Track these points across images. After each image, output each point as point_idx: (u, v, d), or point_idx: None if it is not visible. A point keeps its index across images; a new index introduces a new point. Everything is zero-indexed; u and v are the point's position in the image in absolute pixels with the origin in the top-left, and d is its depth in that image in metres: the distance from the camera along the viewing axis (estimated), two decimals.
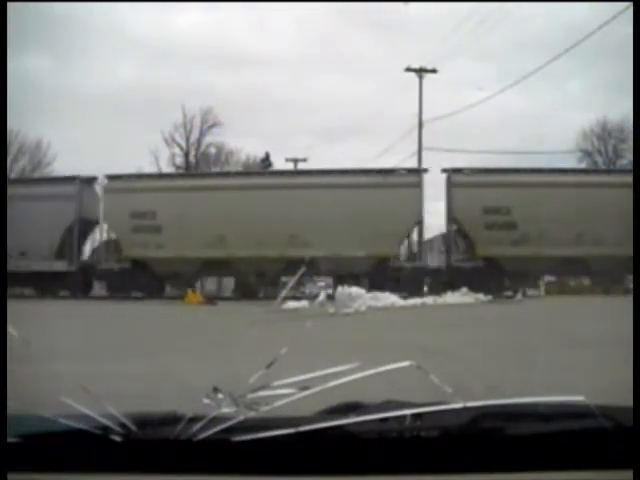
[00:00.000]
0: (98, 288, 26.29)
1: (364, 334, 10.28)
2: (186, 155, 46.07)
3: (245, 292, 23.35)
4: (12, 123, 35.01)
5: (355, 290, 17.96)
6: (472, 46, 59.92)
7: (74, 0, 43.99)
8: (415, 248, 23.54)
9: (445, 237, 24.06)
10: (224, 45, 65.51)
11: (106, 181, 25.21)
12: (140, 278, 23.33)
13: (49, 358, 5.67)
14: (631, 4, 14.10)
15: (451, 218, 23.43)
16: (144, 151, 53.56)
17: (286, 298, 16.45)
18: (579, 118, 68.60)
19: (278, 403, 1.24)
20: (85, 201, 24.95)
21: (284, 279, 22.96)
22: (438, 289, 21.21)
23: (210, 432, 1.14)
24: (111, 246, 24.84)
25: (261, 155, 48.01)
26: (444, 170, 24.07)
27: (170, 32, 59.03)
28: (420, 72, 33.72)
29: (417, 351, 6.92)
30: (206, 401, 1.24)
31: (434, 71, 33.97)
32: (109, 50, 63.18)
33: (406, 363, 1.32)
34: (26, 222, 23.02)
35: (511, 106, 53.28)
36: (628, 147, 39.91)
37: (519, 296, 20.77)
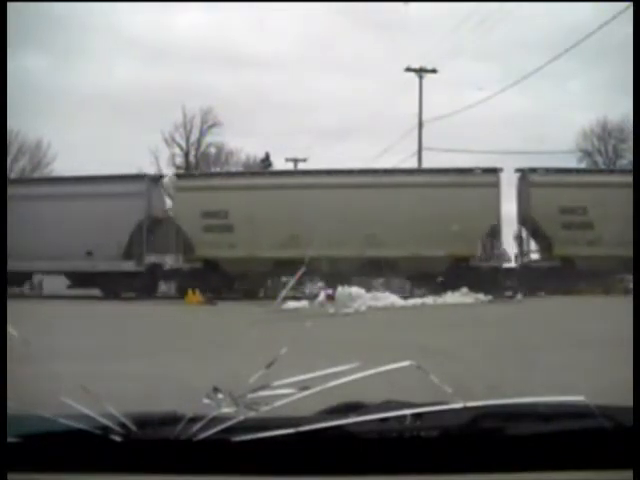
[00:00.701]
0: (166, 289, 25.68)
1: (364, 334, 10.29)
2: (186, 155, 46.09)
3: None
4: (12, 123, 35.02)
5: (355, 290, 17.97)
6: (472, 46, 59.85)
7: (74, 0, 43.99)
8: (492, 248, 23.31)
9: (518, 237, 23.92)
10: (224, 45, 65.52)
11: (175, 179, 24.67)
12: (211, 278, 22.65)
13: (49, 358, 5.67)
14: (631, 4, 14.10)
15: (527, 218, 23.20)
16: (144, 151, 53.53)
17: (286, 298, 16.44)
18: (579, 118, 68.50)
19: (278, 403, 1.24)
20: (153, 199, 24.47)
21: (357, 279, 22.26)
22: (518, 289, 21.21)
23: (210, 432, 1.14)
24: (180, 246, 24.36)
25: (261, 155, 48.02)
26: (518, 170, 23.92)
27: (170, 32, 59.05)
28: (420, 72, 33.73)
29: (417, 351, 6.92)
30: (206, 401, 1.24)
31: (434, 71, 33.97)
32: (109, 50, 63.22)
33: (406, 363, 1.32)
34: (93, 221, 22.69)
35: (511, 106, 53.23)
36: (628, 147, 39.90)
37: (519, 296, 20.76)
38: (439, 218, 21.57)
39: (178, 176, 25.08)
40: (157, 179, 25.47)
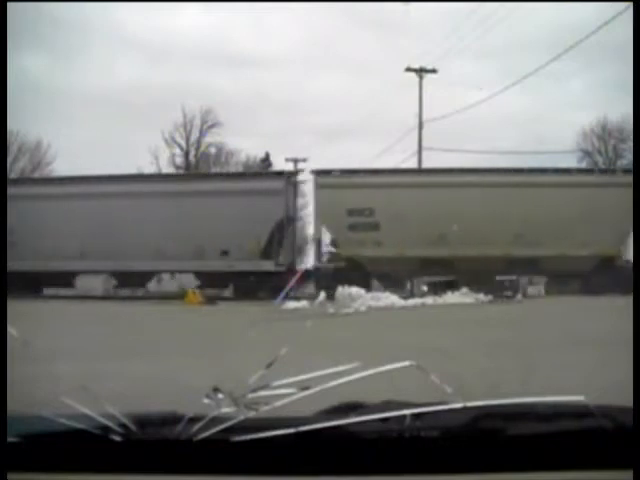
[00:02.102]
0: (301, 288, 24.40)
1: (364, 334, 10.29)
2: (186, 155, 46.09)
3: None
4: (12, 123, 35.01)
5: (355, 290, 17.97)
6: (472, 46, 59.81)
7: (74, 0, 43.98)
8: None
9: None
10: (224, 45, 65.45)
11: (315, 176, 24.08)
12: (355, 277, 21.63)
13: (49, 358, 5.67)
14: (631, 4, 14.10)
15: None
16: (144, 151, 53.52)
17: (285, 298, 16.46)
18: (579, 118, 68.58)
19: (278, 403, 1.24)
20: (290, 197, 23.87)
21: (500, 278, 22.11)
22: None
23: (210, 432, 1.14)
24: (322, 244, 23.71)
25: (261, 155, 48.03)
26: None
27: (170, 32, 59.03)
28: (420, 72, 33.72)
29: (417, 351, 6.92)
30: (206, 401, 1.24)
31: (434, 71, 33.95)
32: (109, 50, 63.24)
33: (406, 363, 1.32)
34: (230, 219, 22.15)
35: (511, 106, 53.26)
36: (628, 147, 39.93)
37: (519, 296, 20.76)
38: (584, 217, 21.38)
39: (318, 172, 24.11)
40: (293, 176, 24.69)
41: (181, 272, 23.85)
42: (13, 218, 24.10)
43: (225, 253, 22.61)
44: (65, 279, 24.65)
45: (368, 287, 21.34)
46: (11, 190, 24.84)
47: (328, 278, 22.35)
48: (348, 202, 22.69)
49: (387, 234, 22.52)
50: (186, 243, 22.46)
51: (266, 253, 23.25)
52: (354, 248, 22.62)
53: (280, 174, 24.41)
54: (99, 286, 24.48)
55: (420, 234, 21.89)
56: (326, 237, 23.45)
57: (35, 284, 24.23)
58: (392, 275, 22.84)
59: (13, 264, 23.90)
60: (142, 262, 22.62)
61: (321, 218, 23.51)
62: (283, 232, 23.42)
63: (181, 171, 42.87)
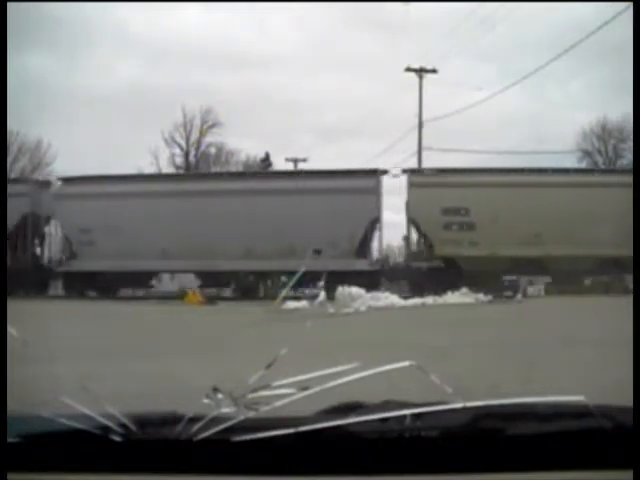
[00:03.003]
0: (391, 287, 23.72)
1: (364, 334, 10.29)
2: (186, 155, 46.09)
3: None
4: (12, 123, 35.00)
5: (355, 290, 17.96)
6: (472, 46, 59.84)
7: (74, 0, 43.97)
8: None
9: None
10: (224, 45, 65.46)
11: (410, 174, 23.85)
12: (449, 277, 21.69)
13: (49, 358, 5.67)
14: (631, 4, 14.10)
15: None
16: (144, 151, 53.50)
17: (286, 298, 16.46)
18: (579, 118, 68.61)
19: (278, 403, 1.24)
20: (381, 196, 23.68)
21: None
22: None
23: (210, 432, 1.14)
24: (412, 243, 23.72)
25: (261, 155, 48.02)
26: None
27: (170, 32, 59.02)
28: (420, 72, 33.73)
29: (417, 351, 6.91)
30: (206, 401, 1.24)
31: (434, 71, 33.97)
32: (109, 50, 63.17)
33: (406, 363, 1.32)
34: (323, 218, 21.90)
35: (511, 106, 53.25)
36: (628, 147, 39.92)
37: (519, 296, 20.75)
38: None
39: (412, 171, 24.01)
40: (382, 174, 24.37)
41: (270, 272, 23.67)
42: (90, 217, 23.98)
43: (318, 252, 22.34)
44: (144, 279, 24.71)
45: (459, 287, 21.09)
46: (88, 188, 24.73)
47: (421, 277, 22.19)
48: (443, 201, 22.49)
49: (482, 233, 22.43)
50: (276, 242, 22.20)
51: (360, 252, 23.07)
52: (449, 247, 22.48)
53: (373, 172, 24.07)
54: (181, 286, 24.33)
55: (514, 234, 21.72)
56: (415, 236, 23.20)
57: (113, 284, 24.09)
58: (484, 274, 22.36)
59: (91, 264, 23.83)
60: (228, 261, 22.26)
61: (417, 217, 23.30)
62: (378, 230, 23.32)
63: (181, 171, 42.86)
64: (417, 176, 23.87)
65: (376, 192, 23.29)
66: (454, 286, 20.60)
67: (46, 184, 27.74)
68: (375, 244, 23.75)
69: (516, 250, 21.70)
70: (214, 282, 23.67)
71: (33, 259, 26.04)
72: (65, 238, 25.49)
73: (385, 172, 24.36)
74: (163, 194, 23.50)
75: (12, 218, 24.79)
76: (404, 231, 24.95)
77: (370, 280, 21.46)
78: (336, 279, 21.57)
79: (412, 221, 23.87)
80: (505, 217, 21.82)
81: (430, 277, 22.02)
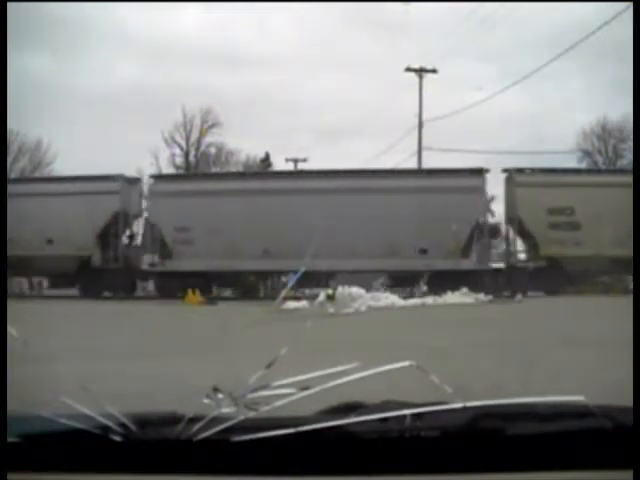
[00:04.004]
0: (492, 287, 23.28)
1: (364, 334, 10.28)
2: (186, 155, 46.10)
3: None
4: (12, 123, 35.00)
5: (355, 290, 17.95)
6: (472, 46, 59.91)
7: (74, 0, 43.97)
8: None
9: None
10: (224, 45, 65.56)
11: (515, 174, 23.63)
12: (554, 276, 21.66)
13: (49, 358, 5.67)
14: (631, 4, 14.10)
15: None
16: (144, 151, 53.50)
17: (286, 298, 16.44)
18: (579, 118, 68.62)
19: (278, 403, 1.24)
20: (485, 195, 23.47)
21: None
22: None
23: (210, 432, 1.14)
24: (510, 242, 23.54)
25: (261, 155, 48.02)
26: None
27: (170, 32, 59.09)
28: (420, 72, 33.76)
29: (417, 351, 6.91)
30: (206, 401, 1.24)
31: (434, 71, 34.02)
32: (109, 50, 63.32)
33: (406, 363, 1.32)
34: (428, 217, 21.71)
35: (511, 106, 53.31)
36: (628, 147, 39.96)
37: (519, 296, 20.74)
38: None
39: (516, 171, 23.79)
40: (486, 173, 24.22)
41: (370, 271, 23.40)
42: (188, 215, 23.42)
43: (424, 252, 22.20)
44: (244, 279, 24.20)
45: (563, 287, 20.87)
46: (185, 185, 24.33)
47: (526, 277, 22.02)
48: (548, 201, 22.37)
49: (586, 233, 22.31)
50: (379, 241, 21.96)
51: (465, 251, 22.95)
52: (554, 247, 22.35)
53: (478, 171, 23.93)
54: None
55: (616, 233, 21.46)
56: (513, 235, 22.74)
57: (211, 284, 23.62)
58: (586, 274, 22.29)
59: (189, 264, 23.14)
60: (328, 261, 21.53)
61: (523, 217, 23.12)
62: (482, 230, 23.16)
63: (181, 171, 42.89)
64: (522, 176, 23.80)
65: (481, 191, 23.23)
66: (558, 285, 20.66)
67: (135, 181, 26.92)
68: (479, 243, 23.55)
69: (618, 250, 21.53)
70: (315, 282, 22.96)
71: (123, 259, 25.05)
72: (160, 237, 24.49)
73: (488, 171, 24.40)
74: (266, 192, 23.01)
75: (102, 216, 24.33)
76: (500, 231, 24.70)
77: (475, 280, 21.45)
78: (441, 279, 21.71)
79: (511, 220, 23.76)
80: (608, 217, 21.74)
81: (535, 277, 21.95)
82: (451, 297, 19.42)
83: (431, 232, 21.92)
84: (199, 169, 42.84)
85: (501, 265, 23.96)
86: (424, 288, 22.05)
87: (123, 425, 1.15)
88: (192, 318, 15.01)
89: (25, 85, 45.15)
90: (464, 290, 20.11)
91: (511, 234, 24.56)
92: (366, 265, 22.40)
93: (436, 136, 36.45)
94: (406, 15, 73.35)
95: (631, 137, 36.04)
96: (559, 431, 1.17)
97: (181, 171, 42.81)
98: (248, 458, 1.14)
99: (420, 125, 33.66)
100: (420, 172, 24.32)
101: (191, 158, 46.17)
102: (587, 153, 43.01)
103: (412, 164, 32.88)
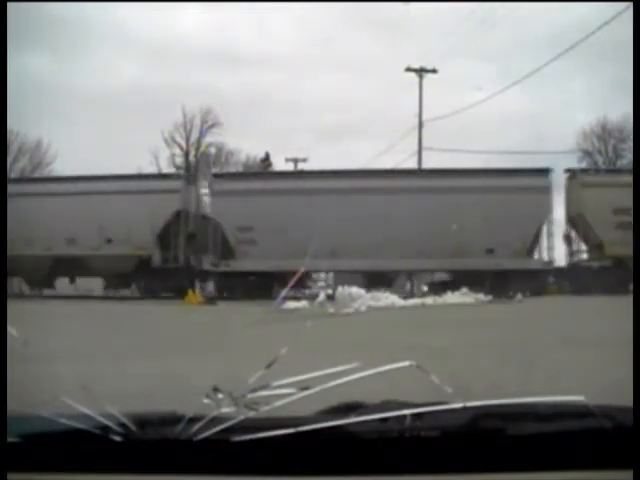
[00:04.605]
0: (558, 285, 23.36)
1: (364, 334, 10.28)
2: (186, 155, 46.10)
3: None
4: (12, 123, 35.00)
5: (355, 290, 17.96)
6: (472, 46, 59.90)
7: (74, 0, 43.98)
8: None
9: None
10: (224, 45, 65.55)
11: (583, 175, 23.52)
12: (618, 276, 21.45)
13: (49, 358, 5.67)
14: (631, 4, 14.10)
15: None
16: (144, 151, 53.51)
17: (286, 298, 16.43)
18: (579, 118, 68.64)
19: (278, 403, 1.24)
20: (551, 195, 23.42)
21: None
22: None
23: (210, 432, 1.14)
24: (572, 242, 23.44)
25: (261, 155, 48.02)
26: None
27: (170, 32, 59.10)
28: (420, 72, 33.76)
29: (417, 351, 6.91)
30: (206, 401, 1.24)
31: (434, 71, 34.02)
32: (109, 50, 63.26)
33: (406, 363, 1.32)
34: (495, 217, 21.71)
35: (511, 106, 53.29)
36: (628, 147, 39.96)
37: (519, 296, 20.73)
38: None
39: (582, 171, 23.92)
40: (550, 173, 24.12)
41: (434, 271, 23.31)
42: (252, 214, 23.05)
43: (490, 251, 22.14)
44: (305, 279, 23.81)
45: (627, 286, 20.70)
46: (249, 184, 23.86)
47: (590, 276, 21.96)
48: (614, 201, 22.19)
49: None
50: (446, 241, 21.84)
51: (532, 251, 22.87)
52: (619, 247, 22.03)
53: (544, 171, 23.88)
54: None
55: None
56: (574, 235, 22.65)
57: (272, 284, 22.92)
58: None
59: (253, 264, 22.81)
60: (395, 261, 21.93)
61: (590, 218, 23.09)
62: (547, 230, 23.14)
63: (181, 171, 42.87)
64: (588, 176, 23.77)
65: (547, 191, 23.21)
66: (623, 285, 20.50)
67: (194, 180, 26.50)
68: (545, 243, 23.60)
69: None
70: (380, 282, 22.93)
71: (184, 258, 24.60)
72: (222, 236, 24.08)
73: (553, 171, 24.37)
74: (332, 191, 22.81)
75: (163, 215, 23.94)
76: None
77: (541, 279, 21.50)
78: (506, 278, 21.62)
79: (574, 220, 23.70)
80: None
81: (599, 276, 21.90)
82: (451, 297, 19.43)
83: (497, 232, 21.90)
84: (199, 169, 42.81)
85: (564, 265, 23.96)
86: (489, 287, 21.83)
87: (123, 425, 1.15)
88: (192, 318, 15.01)
89: (25, 85, 45.18)
90: (464, 290, 20.11)
91: (573, 234, 24.60)
92: (433, 265, 22.44)
93: (436, 136, 36.54)
94: (406, 15, 73.37)
95: (631, 137, 36.06)
96: (559, 431, 1.17)
97: (181, 171, 42.80)
98: (248, 458, 1.14)
99: (420, 125, 33.67)
100: (486, 172, 24.22)
101: (191, 158, 46.16)
102: (587, 153, 43.01)
103: (412, 164, 32.90)
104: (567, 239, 24.44)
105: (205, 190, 25.42)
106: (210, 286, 25.38)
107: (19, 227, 22.60)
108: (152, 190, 23.81)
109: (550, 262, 23.05)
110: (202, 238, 24.72)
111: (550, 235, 23.32)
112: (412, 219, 21.89)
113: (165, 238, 24.37)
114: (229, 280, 23.39)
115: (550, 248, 23.35)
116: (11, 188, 23.54)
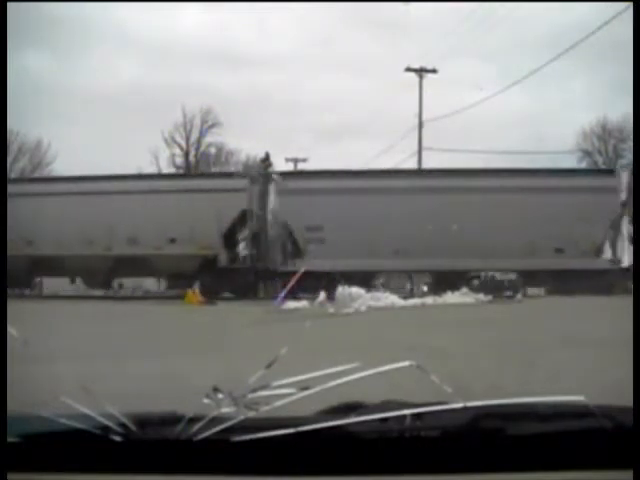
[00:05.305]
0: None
1: (364, 334, 10.29)
2: (186, 155, 46.09)
3: None
4: (12, 123, 34.99)
5: (355, 290, 17.96)
6: (472, 46, 59.88)
7: (74, 0, 43.98)
8: None
9: None
10: (224, 45, 65.49)
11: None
12: None
13: (49, 358, 5.67)
14: (631, 4, 14.11)
15: None
16: (144, 151, 53.52)
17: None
18: (579, 118, 68.66)
19: (278, 403, 1.24)
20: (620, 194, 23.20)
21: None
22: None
23: (210, 432, 1.14)
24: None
25: (261, 155, 47.99)
26: None
27: (170, 32, 59.07)
28: (420, 72, 33.75)
29: (417, 351, 6.92)
30: (206, 401, 1.24)
31: (434, 71, 34.00)
32: (109, 50, 63.14)
33: (406, 363, 1.32)
34: (566, 216, 21.56)
35: (511, 106, 53.24)
36: (628, 147, 39.93)
37: (519, 296, 20.73)
38: None
39: None
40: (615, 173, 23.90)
41: (507, 270, 22.65)
42: (320, 213, 22.66)
43: (560, 251, 22.07)
44: (370, 279, 23.26)
45: None
46: (317, 183, 23.29)
47: None
48: None
49: None
50: (516, 241, 21.71)
51: (600, 251, 22.83)
52: None
53: (612, 172, 23.70)
54: (409, 286, 23.62)
55: None
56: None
57: (340, 284, 22.83)
58: None
59: (322, 263, 22.03)
60: (463, 261, 21.71)
61: None
62: (618, 229, 23.04)
63: (181, 171, 42.89)
64: None
65: (616, 191, 23.13)
66: None
67: (259, 178, 25.72)
68: (612, 243, 23.43)
69: None
70: (446, 282, 22.24)
71: (250, 258, 23.97)
72: (290, 236, 23.63)
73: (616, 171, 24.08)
74: (401, 190, 22.61)
75: (229, 214, 23.43)
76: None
77: (608, 279, 21.33)
78: (575, 277, 21.43)
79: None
80: None
81: None
82: (451, 297, 19.41)
83: (567, 232, 21.84)
84: (199, 169, 42.83)
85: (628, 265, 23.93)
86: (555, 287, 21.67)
87: (123, 425, 1.15)
88: (192, 318, 15.00)
89: (25, 85, 45.20)
90: (464, 290, 20.10)
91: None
92: (501, 264, 22.08)
93: (436, 136, 36.51)
94: (406, 15, 73.33)
95: (631, 137, 36.02)
96: (559, 431, 1.17)
97: (181, 171, 42.82)
98: (248, 458, 1.14)
99: (420, 125, 33.66)
100: (555, 172, 24.07)
101: (191, 158, 46.16)
102: (587, 153, 42.99)
103: (412, 164, 32.88)
104: (630, 239, 24.46)
105: (272, 189, 24.86)
106: (277, 285, 23.96)
107: (77, 227, 22.57)
108: (218, 189, 23.34)
109: (617, 261, 23.05)
110: (268, 237, 24.41)
111: (618, 235, 23.31)
112: (481, 219, 21.79)
113: (231, 237, 23.91)
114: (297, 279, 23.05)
115: (617, 248, 23.36)
116: (68, 187, 23.41)
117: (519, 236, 21.64)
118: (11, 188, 19.44)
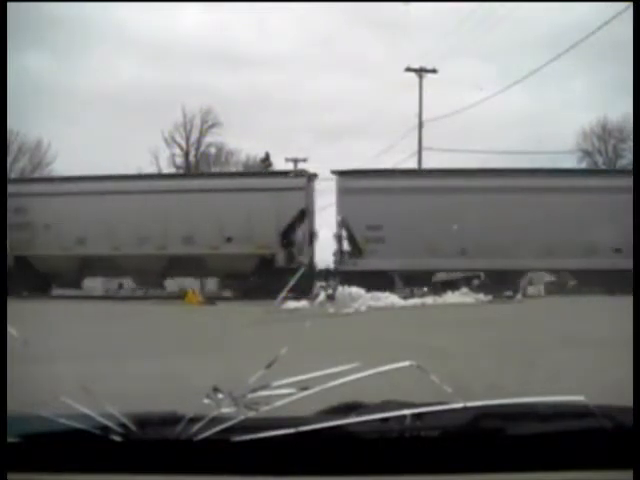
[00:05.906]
0: None
1: (364, 334, 10.29)
2: (186, 155, 46.09)
3: None
4: (12, 123, 34.98)
5: (355, 290, 17.97)
6: (472, 46, 59.84)
7: (74, 0, 43.97)
8: None
9: None
10: (224, 45, 65.43)
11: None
12: None
13: (49, 358, 5.67)
14: (631, 4, 14.10)
15: None
16: (144, 151, 53.51)
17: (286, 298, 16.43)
18: (579, 118, 68.64)
19: (278, 403, 1.24)
20: None
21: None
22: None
23: (210, 432, 1.14)
24: None
25: (261, 155, 48.02)
26: None
27: (170, 32, 59.02)
28: (420, 72, 33.75)
29: (417, 351, 6.92)
30: (206, 401, 1.24)
31: (434, 71, 33.99)
32: (109, 50, 63.11)
33: (406, 363, 1.32)
34: (623, 216, 21.41)
35: (511, 106, 53.20)
36: (628, 147, 39.90)
37: (519, 296, 20.73)
38: None
39: None
40: None
41: (553, 270, 22.98)
42: (380, 212, 22.39)
43: (618, 251, 21.62)
44: (421, 278, 23.31)
45: None
46: (378, 183, 23.02)
47: None
48: None
49: None
50: (573, 240, 21.73)
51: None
52: None
53: None
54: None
55: None
56: None
57: (399, 284, 22.67)
58: None
59: (382, 262, 22.02)
60: (523, 260, 21.66)
61: None
62: None
63: (181, 171, 42.88)
64: None
65: None
66: None
67: (314, 177, 25.12)
68: None
69: None
70: (501, 282, 22.29)
71: (308, 258, 23.60)
72: (349, 235, 23.40)
73: None
74: (463, 189, 22.52)
75: (288, 213, 23.16)
76: None
77: None
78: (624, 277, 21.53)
79: None
80: None
81: None
82: (451, 297, 19.41)
83: (625, 231, 21.89)
84: (199, 169, 42.83)
85: None
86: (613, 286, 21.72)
87: (123, 425, 1.15)
88: (192, 318, 15.00)
89: (25, 85, 45.13)
90: (464, 290, 20.10)
91: None
92: (560, 264, 22.22)
93: (436, 136, 36.49)
94: (406, 15, 73.29)
95: (631, 137, 36.03)
96: (559, 431, 1.17)
97: (181, 171, 42.81)
98: (248, 458, 1.14)
99: (420, 125, 33.65)
100: (613, 172, 23.99)
101: (191, 158, 46.16)
102: (587, 153, 42.99)
103: (412, 164, 32.86)
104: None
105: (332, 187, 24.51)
106: (334, 285, 23.55)
107: (130, 226, 22.41)
108: (276, 188, 23.13)
109: None
110: (329, 237, 24.19)
111: None
112: (541, 218, 21.82)
113: (289, 236, 23.60)
114: (354, 279, 21.80)
115: None
116: (121, 185, 23.12)
117: (580, 235, 21.65)
118: (66, 187, 20.83)
